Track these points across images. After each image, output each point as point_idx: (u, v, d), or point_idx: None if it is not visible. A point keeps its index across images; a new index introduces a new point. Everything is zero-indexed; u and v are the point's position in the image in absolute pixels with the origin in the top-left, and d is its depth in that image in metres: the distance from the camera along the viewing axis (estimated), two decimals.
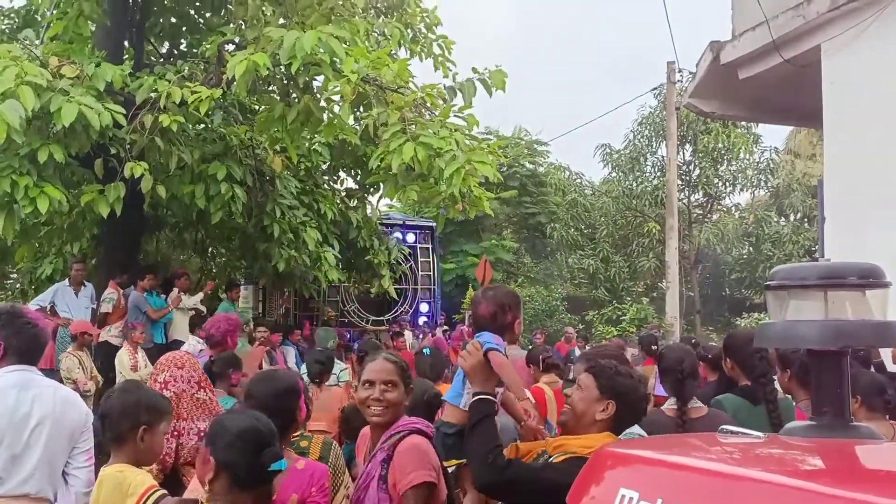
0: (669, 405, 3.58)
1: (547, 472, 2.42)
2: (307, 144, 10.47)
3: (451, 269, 21.57)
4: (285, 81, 8.93)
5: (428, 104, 7.79)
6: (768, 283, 1.55)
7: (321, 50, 7.50)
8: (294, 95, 8.79)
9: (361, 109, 8.29)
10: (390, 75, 7.52)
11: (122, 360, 8.29)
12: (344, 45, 7.69)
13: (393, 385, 2.79)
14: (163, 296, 10.21)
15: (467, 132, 7.80)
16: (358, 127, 9.38)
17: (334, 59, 7.59)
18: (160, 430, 2.70)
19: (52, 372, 9.10)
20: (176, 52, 11.82)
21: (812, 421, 1.49)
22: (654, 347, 9.01)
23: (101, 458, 3.05)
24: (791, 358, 3.79)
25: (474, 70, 8.52)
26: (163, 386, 3.16)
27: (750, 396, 3.68)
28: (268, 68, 7.56)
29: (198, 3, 11.51)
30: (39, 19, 10.44)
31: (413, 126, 7.51)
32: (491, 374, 2.71)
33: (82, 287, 9.51)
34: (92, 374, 8.04)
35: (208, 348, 6.34)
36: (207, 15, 11.57)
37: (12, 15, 10.41)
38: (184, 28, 11.74)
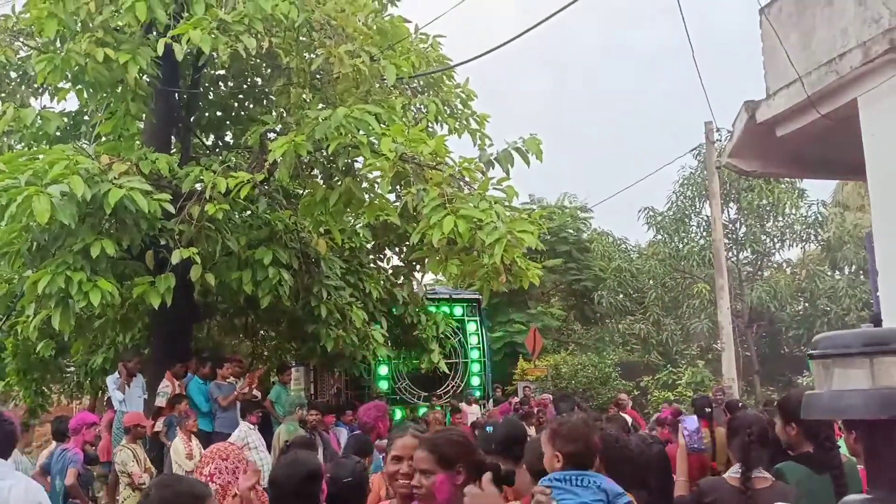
0: (733, 472, 3.43)
1: None
2: (350, 226, 10.64)
3: (500, 337, 21.42)
4: (327, 164, 9.16)
5: (466, 178, 7.87)
6: (811, 351, 1.50)
7: (358, 130, 7.72)
8: (336, 179, 9.00)
9: (401, 187, 8.43)
10: (428, 151, 7.65)
11: (178, 449, 8.31)
12: (382, 126, 7.91)
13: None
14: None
15: (507, 203, 7.85)
16: (398, 204, 9.53)
17: (372, 139, 7.79)
18: None
19: (108, 465, 9.20)
20: (221, 143, 12.24)
21: (869, 496, 1.42)
22: (707, 410, 8.63)
23: None
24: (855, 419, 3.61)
25: (507, 144, 8.62)
26: (208, 479, 3.15)
27: (814, 464, 3.50)
28: (308, 151, 7.78)
29: (241, 96, 11.98)
30: (88, 118, 10.91)
31: (452, 200, 7.59)
32: None
33: (133, 378, 9.63)
34: (146, 466, 8.06)
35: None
36: (250, 107, 12.02)
37: (64, 118, 10.91)
38: (227, 121, 12.21)
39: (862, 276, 20.29)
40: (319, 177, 9.52)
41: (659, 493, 3.87)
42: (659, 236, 20.86)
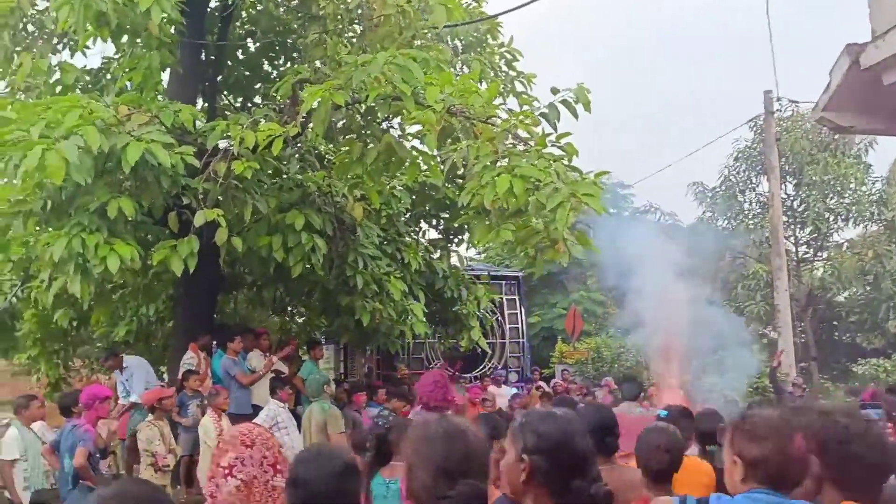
0: None
1: None
2: (388, 188, 9.84)
3: (537, 321, 20.54)
4: (362, 122, 8.37)
5: (523, 133, 7.02)
6: None
7: (399, 79, 6.91)
8: (371, 134, 8.21)
9: (447, 145, 7.62)
10: (480, 103, 6.81)
11: (208, 427, 7.64)
12: (427, 74, 7.09)
13: None
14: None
15: (567, 163, 6.98)
16: (443, 167, 8.71)
17: (417, 90, 6.97)
18: None
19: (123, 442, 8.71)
20: (250, 104, 11.54)
21: None
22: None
23: None
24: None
25: (553, 91, 7.64)
26: (227, 472, 2.37)
27: None
28: (346, 102, 7.00)
29: (271, 54, 11.24)
30: (110, 77, 10.26)
31: (506, 158, 6.77)
32: None
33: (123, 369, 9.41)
34: (171, 446, 7.38)
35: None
36: (281, 66, 11.32)
37: (86, 75, 10.25)
38: (257, 82, 11.54)
39: None
40: (355, 136, 8.73)
41: None
42: (708, 213, 19.77)
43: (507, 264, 18.40)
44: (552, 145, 7.09)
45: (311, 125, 7.61)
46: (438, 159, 8.52)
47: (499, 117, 7.08)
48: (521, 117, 6.98)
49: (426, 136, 6.62)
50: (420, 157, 7.82)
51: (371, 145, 7.79)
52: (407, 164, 7.94)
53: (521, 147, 7.02)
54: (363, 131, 8.44)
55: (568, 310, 19.73)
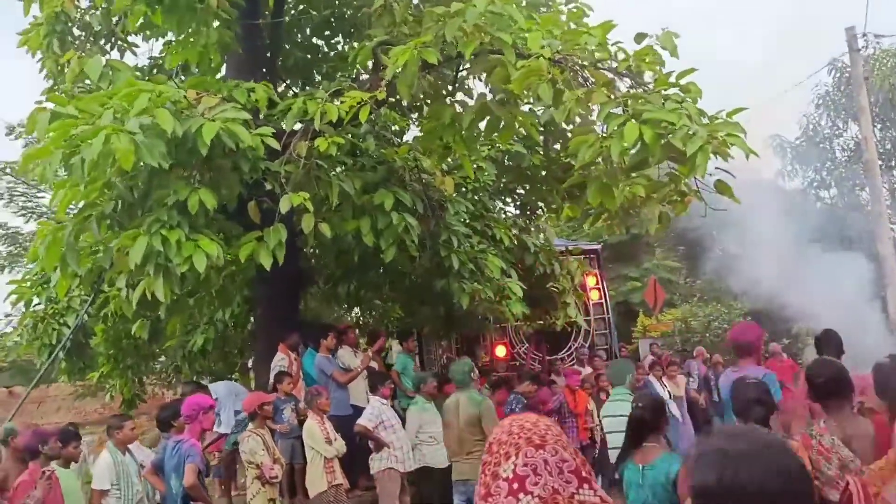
0: None
1: None
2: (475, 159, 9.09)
3: (612, 296, 19.64)
4: (448, 84, 7.64)
5: (646, 74, 6.22)
6: None
7: (496, 28, 6.15)
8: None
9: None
10: (594, 43, 6.02)
11: (313, 431, 7.00)
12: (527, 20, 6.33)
13: None
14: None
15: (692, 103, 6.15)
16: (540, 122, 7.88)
17: (516, 39, 6.21)
18: None
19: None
20: (309, 88, 10.93)
21: None
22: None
23: None
24: None
25: (638, 38, 6.75)
26: (516, 486, 1.63)
27: None
28: (438, 60, 6.26)
29: (327, 32, 10.59)
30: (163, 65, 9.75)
31: (620, 106, 5.97)
32: None
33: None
34: (276, 456, 6.70)
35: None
36: (339, 47, 10.70)
37: (137, 72, 9.70)
38: (315, 67, 10.95)
39: None
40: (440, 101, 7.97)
41: None
42: (789, 166, 18.62)
43: (574, 238, 17.49)
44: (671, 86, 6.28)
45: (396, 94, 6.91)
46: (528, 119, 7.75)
47: (613, 60, 6.27)
48: (642, 56, 6.15)
49: (540, 87, 5.80)
50: (519, 117, 7.06)
51: (463, 109, 7.04)
52: (501, 126, 7.18)
53: (639, 90, 6.22)
54: (449, 90, 7.68)
55: (641, 281, 18.86)
